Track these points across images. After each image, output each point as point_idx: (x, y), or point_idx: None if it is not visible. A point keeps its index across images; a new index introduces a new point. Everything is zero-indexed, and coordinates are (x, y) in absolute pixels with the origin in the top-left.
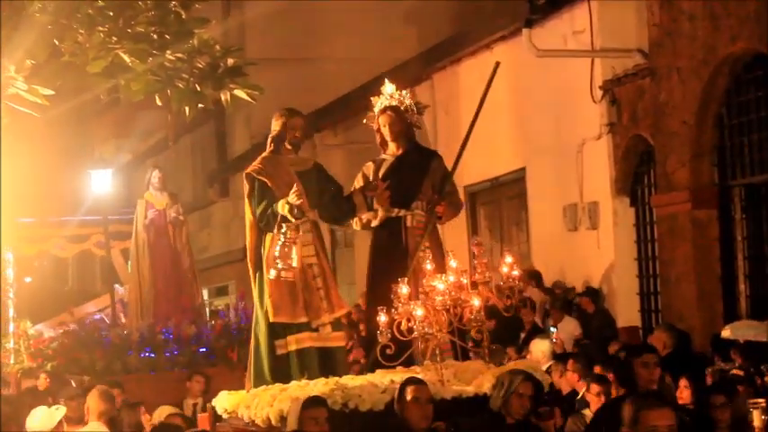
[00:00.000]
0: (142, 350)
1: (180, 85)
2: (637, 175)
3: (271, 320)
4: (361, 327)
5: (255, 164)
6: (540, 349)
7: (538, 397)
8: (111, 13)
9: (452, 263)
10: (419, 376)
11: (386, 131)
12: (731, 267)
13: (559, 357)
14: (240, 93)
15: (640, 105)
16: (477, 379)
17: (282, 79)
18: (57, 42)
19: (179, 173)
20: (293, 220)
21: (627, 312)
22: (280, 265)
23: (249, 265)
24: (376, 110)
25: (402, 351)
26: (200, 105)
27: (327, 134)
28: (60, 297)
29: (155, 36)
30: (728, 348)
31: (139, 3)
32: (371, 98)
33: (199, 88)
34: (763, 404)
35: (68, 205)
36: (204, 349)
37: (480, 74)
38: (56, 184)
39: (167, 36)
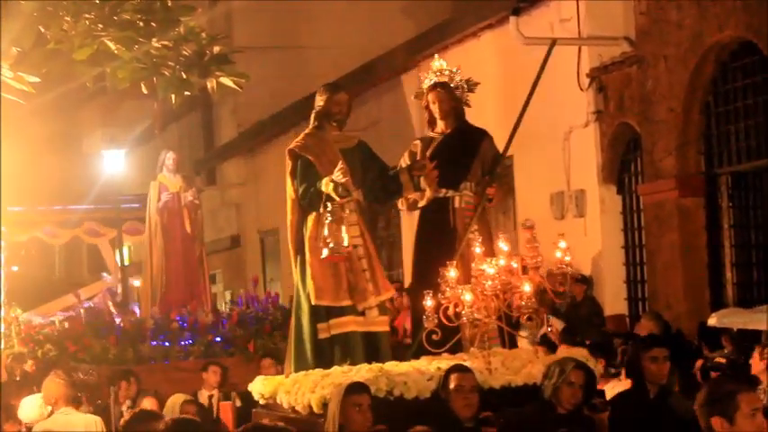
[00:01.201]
0: (156, 338)
1: (166, 73)
2: (624, 162)
3: (313, 303)
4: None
5: (298, 140)
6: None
7: (590, 387)
8: (97, 1)
9: (502, 246)
10: (466, 364)
11: (435, 109)
12: (718, 255)
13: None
14: (226, 80)
15: (627, 93)
16: (527, 368)
17: (270, 67)
18: (42, 29)
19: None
20: (338, 199)
21: (614, 300)
22: (331, 245)
23: (290, 245)
24: (424, 86)
25: (449, 337)
26: (186, 93)
27: None
28: (48, 285)
29: (141, 24)
30: (715, 336)
31: None
32: (420, 74)
33: (185, 76)
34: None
35: (56, 193)
36: (220, 339)
37: (468, 61)
38: (42, 171)
39: (153, 24)
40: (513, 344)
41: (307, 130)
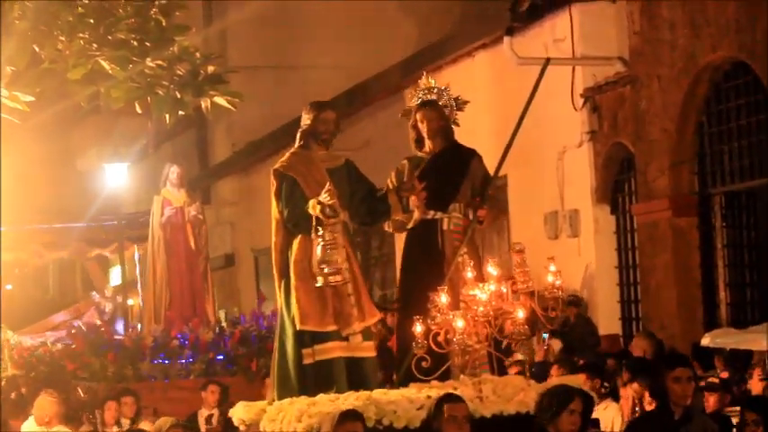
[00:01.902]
0: (156, 356)
1: (160, 93)
2: (617, 182)
3: (298, 328)
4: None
5: (284, 159)
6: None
7: (587, 413)
8: (92, 20)
9: (491, 270)
10: (457, 392)
11: (423, 128)
12: (711, 275)
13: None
14: (220, 100)
15: (621, 113)
16: (519, 395)
17: (264, 86)
18: (37, 49)
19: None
20: (325, 221)
21: (607, 320)
22: (326, 270)
23: (274, 268)
24: (412, 104)
25: (438, 364)
26: (180, 112)
27: None
28: (41, 305)
29: (135, 43)
30: (708, 357)
31: (120, 10)
32: (406, 91)
33: (179, 95)
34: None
35: (48, 211)
36: (222, 357)
37: (462, 81)
38: (35, 190)
39: (148, 43)
40: (502, 370)
41: (292, 149)
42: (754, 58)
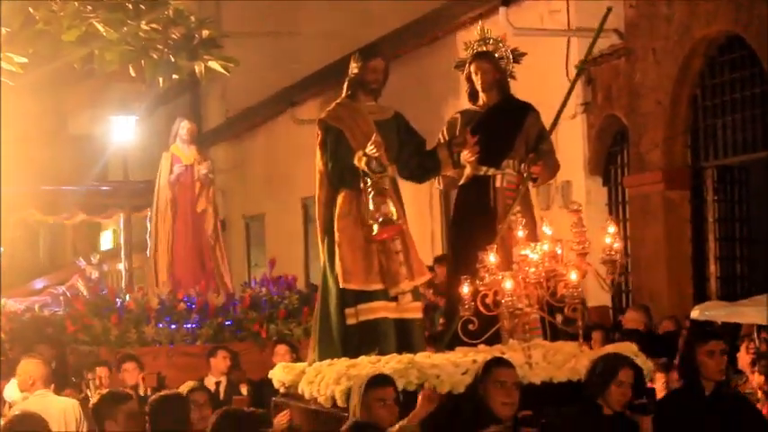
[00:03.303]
0: (161, 320)
1: (154, 56)
2: (610, 154)
3: (341, 286)
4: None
5: (330, 109)
6: None
7: (639, 385)
8: None
9: (546, 230)
10: (504, 357)
11: (477, 81)
12: (702, 248)
13: None
14: (214, 65)
15: (615, 85)
16: (570, 362)
17: (259, 53)
18: (31, 10)
19: (153, 145)
20: (372, 175)
21: (597, 291)
22: (381, 219)
23: (318, 223)
24: (466, 55)
25: (486, 327)
26: (174, 76)
27: (303, 108)
28: (29, 269)
29: (129, 5)
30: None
31: None
32: (464, 42)
33: (173, 59)
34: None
35: (44, 174)
36: (230, 322)
37: (457, 52)
38: (29, 152)
39: (142, 6)
40: (555, 336)
41: (339, 100)
42: (749, 31)
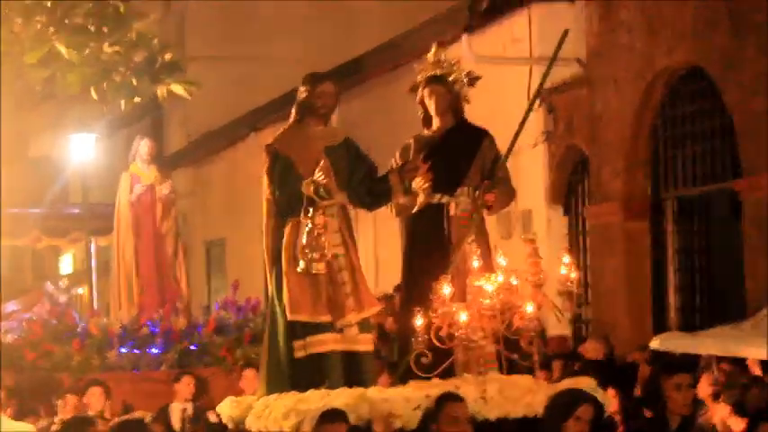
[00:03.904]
0: (124, 344)
1: (116, 78)
2: (571, 184)
3: (289, 318)
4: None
5: (278, 135)
6: None
7: (597, 421)
8: (49, 4)
9: (500, 260)
10: (458, 392)
11: (431, 104)
12: (662, 279)
13: None
14: (177, 88)
15: (577, 115)
16: (526, 397)
17: (220, 77)
18: None
19: (114, 167)
20: (319, 203)
21: (556, 321)
22: (310, 255)
23: (265, 253)
24: (419, 79)
25: (440, 360)
26: (136, 99)
27: (265, 133)
28: None
29: (92, 28)
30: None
31: None
32: (414, 65)
33: (135, 82)
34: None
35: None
36: (195, 347)
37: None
38: None
39: (105, 28)
40: (511, 369)
41: (287, 125)
42: (709, 63)
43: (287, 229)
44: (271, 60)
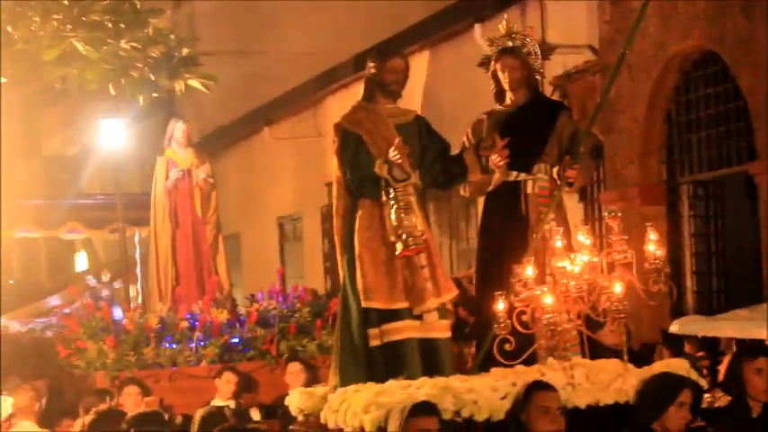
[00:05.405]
0: (162, 340)
1: (134, 74)
2: None
3: (363, 305)
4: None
5: (347, 114)
6: None
7: (697, 407)
8: (66, 1)
9: (583, 239)
10: (544, 378)
11: (504, 79)
12: (679, 263)
13: None
14: (194, 83)
15: (590, 102)
16: (616, 382)
17: (233, 71)
18: (9, 29)
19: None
20: (394, 183)
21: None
22: (404, 236)
23: (336, 237)
24: (491, 52)
25: (522, 346)
26: (154, 94)
27: (278, 127)
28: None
29: (109, 25)
30: (679, 342)
31: None
32: (488, 37)
33: (153, 77)
34: None
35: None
36: (237, 340)
37: (432, 68)
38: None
39: (122, 25)
40: (594, 353)
41: (356, 103)
42: (723, 47)
43: (360, 211)
44: (282, 53)
